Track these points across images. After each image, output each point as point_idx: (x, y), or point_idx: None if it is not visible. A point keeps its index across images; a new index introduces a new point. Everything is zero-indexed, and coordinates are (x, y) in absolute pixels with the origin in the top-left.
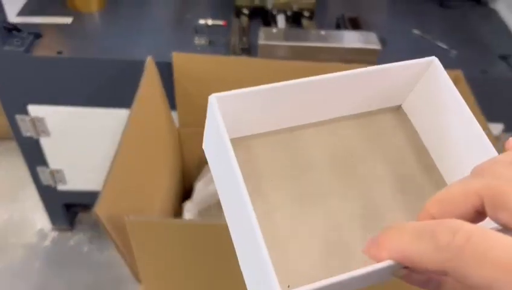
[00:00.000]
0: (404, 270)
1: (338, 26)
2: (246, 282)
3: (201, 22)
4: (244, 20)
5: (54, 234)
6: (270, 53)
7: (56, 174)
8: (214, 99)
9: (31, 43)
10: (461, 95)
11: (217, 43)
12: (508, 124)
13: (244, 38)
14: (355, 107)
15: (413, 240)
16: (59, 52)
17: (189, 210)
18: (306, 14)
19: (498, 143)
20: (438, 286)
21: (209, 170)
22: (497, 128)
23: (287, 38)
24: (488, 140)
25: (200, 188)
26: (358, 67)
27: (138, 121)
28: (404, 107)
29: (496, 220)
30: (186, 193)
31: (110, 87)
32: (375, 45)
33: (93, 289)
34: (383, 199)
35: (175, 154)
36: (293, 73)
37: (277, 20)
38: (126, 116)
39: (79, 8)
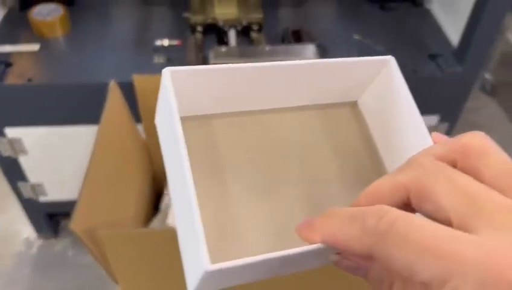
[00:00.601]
0: (336, 256)
1: (283, 40)
2: (184, 262)
3: (158, 43)
4: (199, 37)
5: (39, 242)
6: None
7: (37, 188)
8: (167, 72)
9: (3, 72)
10: None
11: (175, 61)
12: (443, 115)
13: (200, 55)
14: (313, 98)
15: (343, 224)
16: (29, 80)
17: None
18: (255, 27)
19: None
20: (366, 274)
21: None
22: (433, 119)
23: (235, 57)
24: (432, 141)
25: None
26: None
27: (106, 139)
28: (359, 103)
29: (421, 211)
30: (158, 198)
31: (80, 107)
32: (312, 57)
33: (81, 289)
34: (330, 189)
35: (144, 164)
36: None
37: (228, 35)
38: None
39: (45, 35)
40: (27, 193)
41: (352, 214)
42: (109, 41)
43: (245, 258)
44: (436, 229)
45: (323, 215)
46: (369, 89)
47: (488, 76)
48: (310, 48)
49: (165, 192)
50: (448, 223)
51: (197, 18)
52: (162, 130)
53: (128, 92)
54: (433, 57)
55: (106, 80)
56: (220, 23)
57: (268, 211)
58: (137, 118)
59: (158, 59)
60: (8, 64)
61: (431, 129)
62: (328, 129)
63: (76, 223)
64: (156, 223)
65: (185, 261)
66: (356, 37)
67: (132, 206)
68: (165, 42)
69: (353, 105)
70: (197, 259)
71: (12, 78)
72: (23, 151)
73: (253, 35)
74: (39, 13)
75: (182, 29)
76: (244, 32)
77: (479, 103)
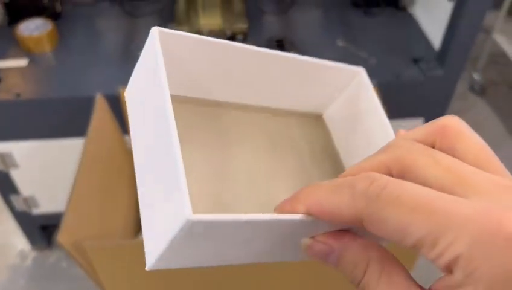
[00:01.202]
0: (309, 240)
1: None
2: (147, 228)
3: None
4: None
5: (33, 253)
6: None
7: (29, 200)
8: (155, 31)
9: None
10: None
11: None
12: (427, 118)
13: None
14: (282, 102)
15: (330, 192)
16: (18, 95)
17: None
18: (239, 37)
19: None
20: (338, 259)
21: None
22: (418, 123)
23: None
24: None
25: None
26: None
27: (92, 151)
28: (326, 114)
29: None
30: None
31: (69, 121)
32: None
33: None
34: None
35: (133, 175)
36: None
37: None
38: None
39: (33, 50)
40: (19, 205)
41: (338, 183)
42: (96, 55)
43: (229, 215)
44: (428, 191)
45: (305, 188)
46: (336, 101)
47: (476, 76)
48: None
49: None
50: None
51: (182, 29)
52: (136, 99)
53: (116, 104)
54: (416, 61)
55: (94, 93)
56: (205, 34)
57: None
58: (126, 130)
59: None
60: None
61: None
62: (290, 136)
63: (63, 236)
64: None
65: (148, 226)
66: (340, 43)
67: (121, 217)
68: None
69: (318, 116)
70: (175, 209)
71: (0, 94)
72: (14, 165)
73: None
74: (26, 28)
75: None
76: None
77: (468, 103)
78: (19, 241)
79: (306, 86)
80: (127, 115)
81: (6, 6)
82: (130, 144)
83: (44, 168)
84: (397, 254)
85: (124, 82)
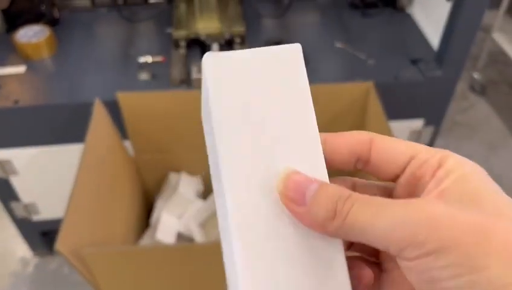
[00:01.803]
0: (289, 169)
1: None
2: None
3: (142, 60)
4: (182, 52)
5: (35, 260)
6: None
7: (29, 207)
8: (209, 58)
9: None
10: (370, 103)
11: (160, 76)
12: (427, 118)
13: (184, 70)
14: None
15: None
16: (16, 102)
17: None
18: (237, 40)
19: (419, 137)
20: (317, 192)
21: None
22: (418, 123)
23: None
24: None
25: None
26: None
27: (91, 157)
28: None
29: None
30: (149, 213)
31: (68, 127)
32: None
33: None
34: None
35: (132, 180)
36: None
37: (212, 49)
38: None
39: (31, 56)
40: (20, 212)
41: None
42: (94, 60)
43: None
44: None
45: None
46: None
47: (476, 76)
48: None
49: (154, 206)
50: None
51: (180, 33)
52: (205, 125)
53: (115, 109)
54: (414, 61)
55: (92, 99)
56: (203, 38)
57: None
58: (124, 135)
59: (143, 75)
60: None
61: (416, 134)
62: None
63: (62, 243)
64: (146, 238)
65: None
66: (338, 45)
67: (121, 223)
68: (149, 59)
69: None
70: None
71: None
72: (14, 172)
73: (236, 48)
74: (24, 35)
75: (165, 44)
76: (227, 46)
77: (468, 103)
78: (20, 248)
79: None
80: (125, 120)
81: (4, 13)
82: (131, 150)
83: (44, 175)
84: None
85: (123, 87)
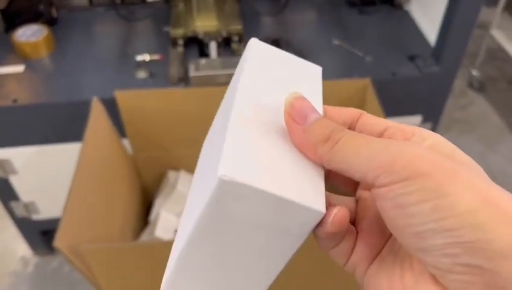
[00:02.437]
0: (294, 93)
1: None
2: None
3: (140, 58)
4: (180, 50)
5: (35, 259)
6: (202, 82)
7: (29, 206)
8: (255, 41)
9: None
10: (368, 100)
11: (157, 74)
12: (426, 115)
13: (181, 68)
14: None
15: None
16: (15, 101)
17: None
18: (235, 38)
19: None
20: (316, 118)
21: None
22: (416, 120)
23: (215, 68)
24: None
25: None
26: None
27: (89, 155)
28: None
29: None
30: (148, 211)
31: (67, 126)
32: None
33: None
34: None
35: (131, 178)
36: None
37: (209, 47)
38: None
39: (29, 56)
40: (20, 211)
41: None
42: (92, 59)
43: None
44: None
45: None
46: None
47: (475, 73)
48: None
49: (153, 204)
50: None
51: (177, 32)
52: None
53: (113, 107)
54: (412, 58)
55: (91, 98)
56: (201, 36)
57: None
58: (123, 133)
59: (141, 74)
60: None
61: None
62: None
63: (60, 240)
64: (145, 236)
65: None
66: (336, 42)
67: (119, 220)
68: (147, 57)
69: None
70: (216, 168)
71: None
72: (13, 171)
73: (234, 46)
74: (23, 34)
75: (163, 43)
76: (225, 44)
77: (467, 100)
78: (20, 248)
79: None
80: (123, 118)
81: (3, 12)
82: (129, 147)
83: (44, 174)
84: None
85: (121, 85)
